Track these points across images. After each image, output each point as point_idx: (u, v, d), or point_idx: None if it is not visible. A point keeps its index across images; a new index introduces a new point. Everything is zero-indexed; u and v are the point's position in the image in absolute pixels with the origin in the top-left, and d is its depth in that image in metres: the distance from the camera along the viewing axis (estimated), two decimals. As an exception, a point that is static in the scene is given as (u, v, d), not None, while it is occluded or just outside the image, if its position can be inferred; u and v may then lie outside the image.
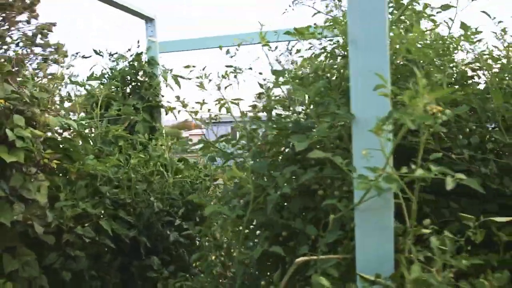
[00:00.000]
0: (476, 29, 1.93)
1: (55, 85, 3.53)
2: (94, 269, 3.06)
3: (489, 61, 2.00)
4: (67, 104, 4.97)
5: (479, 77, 2.17)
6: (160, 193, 3.39)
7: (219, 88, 2.08)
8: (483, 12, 2.03)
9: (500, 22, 2.03)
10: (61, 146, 3.11)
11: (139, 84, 4.47)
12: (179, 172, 3.63)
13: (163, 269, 3.22)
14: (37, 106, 3.02)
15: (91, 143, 3.53)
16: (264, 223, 1.79)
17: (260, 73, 1.94)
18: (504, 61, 2.14)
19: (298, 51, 2.00)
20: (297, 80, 1.85)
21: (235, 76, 1.92)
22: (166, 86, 4.59)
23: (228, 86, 1.93)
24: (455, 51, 2.09)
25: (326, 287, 1.38)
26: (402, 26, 2.06)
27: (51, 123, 2.89)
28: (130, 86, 4.50)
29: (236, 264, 1.74)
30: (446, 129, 1.87)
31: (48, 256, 2.84)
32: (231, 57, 1.95)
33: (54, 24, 16.47)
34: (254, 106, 2.18)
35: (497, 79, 2.04)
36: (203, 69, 2.25)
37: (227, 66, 1.95)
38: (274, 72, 1.87)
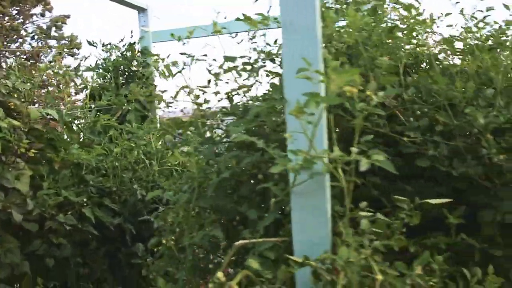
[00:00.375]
0: (423, 10, 1.91)
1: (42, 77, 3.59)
2: (80, 256, 3.13)
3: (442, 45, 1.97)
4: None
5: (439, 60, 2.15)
6: (145, 181, 3.44)
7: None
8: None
9: (457, 2, 2.00)
10: (46, 136, 3.18)
11: (132, 74, 4.52)
12: (168, 160, 3.67)
13: (148, 255, 3.26)
14: (20, 97, 3.08)
15: (80, 133, 3.60)
16: (213, 208, 1.81)
17: (214, 60, 1.96)
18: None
19: (253, 37, 2.00)
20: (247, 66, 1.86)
21: (184, 64, 1.94)
22: (160, 75, 4.63)
23: (178, 73, 1.95)
24: (415, 34, 2.07)
25: (256, 269, 1.39)
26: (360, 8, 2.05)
27: (32, 114, 2.94)
28: (124, 76, 4.55)
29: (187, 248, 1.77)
30: (398, 111, 1.87)
31: (32, 243, 2.91)
32: (183, 44, 1.97)
33: (68, 17, 16.63)
34: (216, 93, 2.20)
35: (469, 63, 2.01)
36: (168, 57, 2.29)
37: (180, 54, 1.97)
38: (225, 57, 1.88)
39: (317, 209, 1.50)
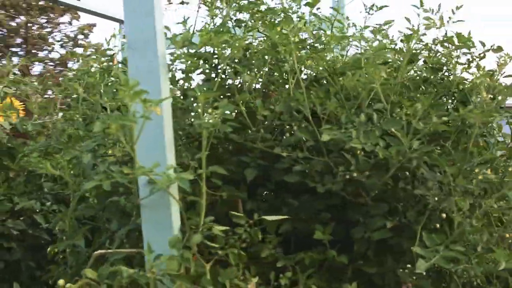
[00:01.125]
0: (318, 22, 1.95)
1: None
2: (34, 260, 3.26)
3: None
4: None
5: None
6: (102, 188, 3.54)
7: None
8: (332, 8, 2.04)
9: (347, 18, 2.02)
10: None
11: (109, 84, 4.64)
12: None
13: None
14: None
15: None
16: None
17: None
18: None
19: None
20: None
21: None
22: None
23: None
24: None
25: (61, 286, 1.46)
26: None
27: (-16, 123, 3.09)
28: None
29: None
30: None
31: (-17, 248, 3.06)
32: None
33: (94, 25, 17.08)
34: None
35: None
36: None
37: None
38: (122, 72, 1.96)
39: (161, 223, 1.55)
